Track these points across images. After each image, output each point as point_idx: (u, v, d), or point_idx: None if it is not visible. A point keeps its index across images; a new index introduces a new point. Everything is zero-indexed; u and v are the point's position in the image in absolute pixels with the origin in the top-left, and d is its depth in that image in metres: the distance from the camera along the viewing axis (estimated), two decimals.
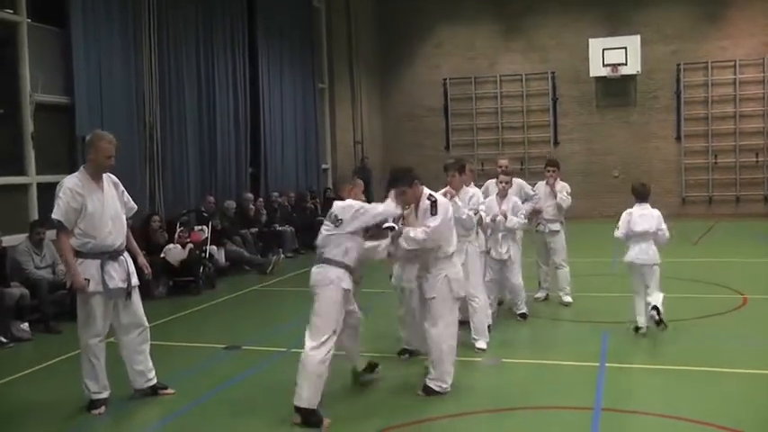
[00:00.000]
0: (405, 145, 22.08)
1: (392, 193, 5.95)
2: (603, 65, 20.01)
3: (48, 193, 8.72)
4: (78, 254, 5.74)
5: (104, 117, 11.03)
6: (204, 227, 12.20)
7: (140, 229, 10.77)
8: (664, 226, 7.79)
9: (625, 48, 19.82)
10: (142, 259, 6.29)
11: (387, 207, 5.85)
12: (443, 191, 7.02)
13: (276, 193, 15.76)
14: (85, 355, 5.82)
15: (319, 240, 5.78)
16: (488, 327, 7.70)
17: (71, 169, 7.43)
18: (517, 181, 9.22)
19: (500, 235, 8.21)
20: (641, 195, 7.85)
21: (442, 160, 7.77)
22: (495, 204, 8.18)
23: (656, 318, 7.49)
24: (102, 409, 5.83)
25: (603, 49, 19.95)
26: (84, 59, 10.79)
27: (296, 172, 17.40)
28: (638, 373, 6.57)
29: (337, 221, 5.67)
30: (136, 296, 6.02)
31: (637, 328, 7.74)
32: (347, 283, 5.63)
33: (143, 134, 12.10)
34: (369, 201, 6.22)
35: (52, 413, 5.93)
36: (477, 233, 7.65)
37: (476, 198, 7.51)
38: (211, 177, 14.04)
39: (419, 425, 5.39)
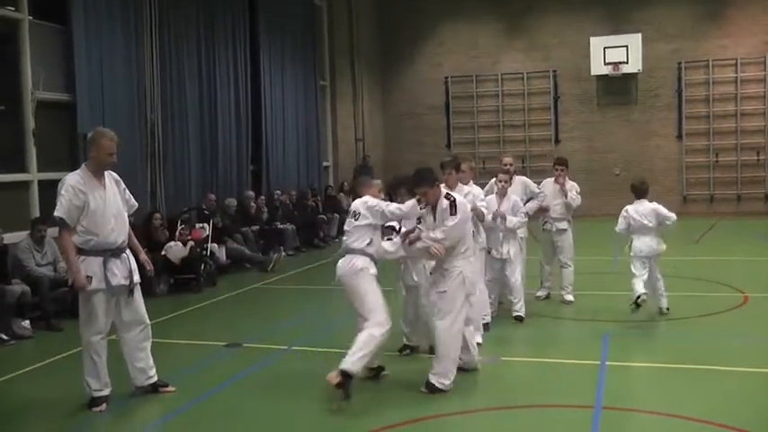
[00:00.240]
0: (406, 143, 22.07)
1: (401, 190, 6.48)
2: (605, 63, 19.98)
3: (49, 191, 8.72)
4: (81, 251, 5.74)
5: (106, 114, 11.03)
6: (205, 224, 12.21)
7: (142, 226, 10.78)
8: (664, 212, 8.27)
9: (626, 46, 19.80)
10: (144, 256, 6.29)
11: (402, 207, 6.13)
12: None
13: (278, 191, 15.77)
14: (87, 352, 5.83)
15: (345, 235, 6.27)
16: (487, 325, 7.71)
17: (72, 166, 7.44)
18: (522, 179, 9.19)
19: (500, 234, 8.19)
20: (640, 192, 8.37)
21: (442, 158, 7.76)
22: (494, 203, 8.17)
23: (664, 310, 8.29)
24: (104, 406, 5.83)
25: (605, 48, 19.93)
26: (86, 57, 10.79)
27: (297, 170, 17.40)
28: (638, 372, 6.57)
29: (356, 215, 6.15)
30: (138, 293, 6.02)
31: (637, 301, 8.01)
32: (374, 269, 6.05)
33: (144, 131, 12.09)
34: None
35: (53, 410, 5.93)
36: (478, 230, 7.64)
37: (471, 196, 7.49)
38: (212, 175, 14.04)
39: (419, 423, 5.39)
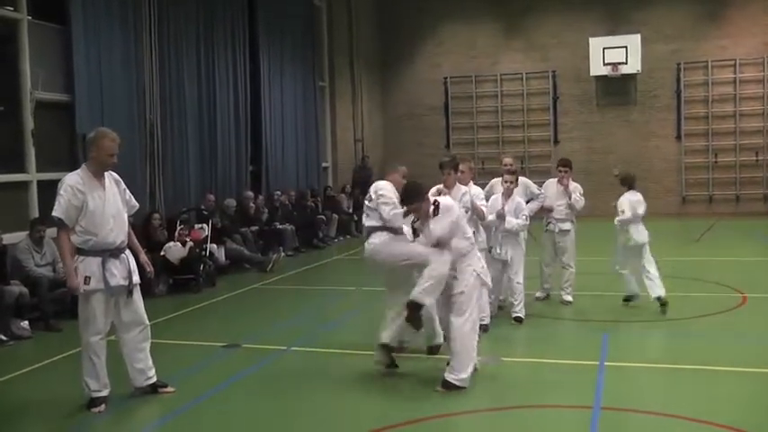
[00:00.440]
0: (405, 143, 22.07)
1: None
2: (604, 64, 19.99)
3: (48, 191, 8.73)
4: (80, 251, 5.74)
5: (105, 114, 11.02)
6: (204, 225, 12.20)
7: (140, 226, 10.77)
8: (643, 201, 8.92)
9: (625, 47, 19.81)
10: (144, 257, 6.29)
11: (392, 215, 6.25)
12: (435, 188, 7.15)
13: (278, 192, 15.77)
14: (86, 352, 5.82)
15: (364, 216, 6.52)
16: (486, 326, 7.71)
17: (71, 167, 7.44)
18: (522, 179, 9.19)
19: (500, 235, 8.19)
20: (633, 182, 8.93)
21: (441, 159, 7.78)
22: (498, 203, 8.17)
23: (662, 302, 8.59)
24: (102, 407, 5.83)
25: (604, 48, 19.93)
26: (85, 57, 10.79)
27: (296, 170, 17.39)
28: (637, 372, 6.58)
29: (370, 197, 6.42)
30: (137, 294, 6.02)
31: (629, 299, 8.89)
32: (401, 237, 6.26)
33: (143, 132, 12.09)
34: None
35: (52, 411, 5.93)
36: (478, 230, 7.65)
37: (467, 196, 7.51)
38: (212, 175, 14.04)
39: (419, 423, 5.39)
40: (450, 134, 22.22)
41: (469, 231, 6.45)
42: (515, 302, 8.37)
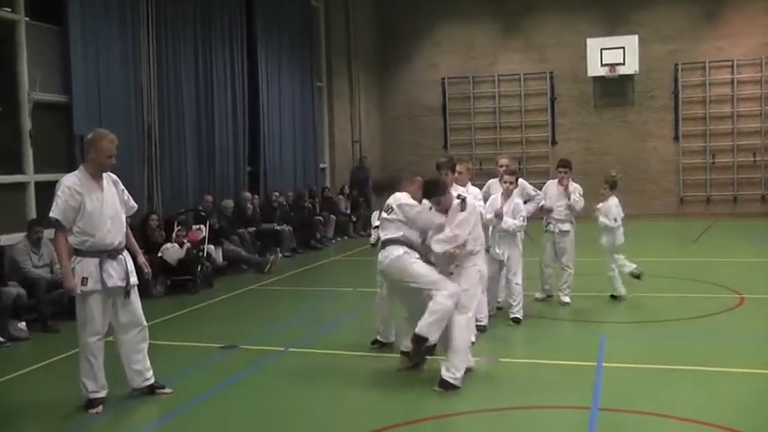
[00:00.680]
0: (403, 144, 22.08)
1: (384, 194, 6.75)
2: (601, 64, 20.03)
3: (46, 192, 8.73)
4: (77, 252, 5.74)
5: (102, 115, 11.02)
6: (202, 226, 12.19)
7: (138, 227, 10.75)
8: None
9: (623, 48, 19.84)
10: (142, 258, 6.29)
11: (430, 218, 6.32)
12: None
13: (276, 193, 15.77)
14: (84, 353, 5.81)
15: (380, 229, 6.49)
16: (484, 327, 7.72)
17: (69, 168, 7.44)
18: (519, 181, 9.19)
19: (498, 235, 8.19)
20: (616, 186, 9.42)
21: (438, 159, 7.77)
22: (497, 203, 8.16)
23: (636, 273, 9.27)
24: (100, 408, 5.81)
25: (601, 49, 19.97)
26: (83, 58, 10.79)
27: (294, 171, 17.40)
28: (635, 373, 6.58)
29: (389, 210, 6.38)
30: (134, 295, 6.01)
31: (617, 297, 9.31)
32: (414, 254, 6.20)
33: (141, 132, 12.09)
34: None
35: (49, 412, 5.92)
36: None
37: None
38: (209, 176, 14.04)
39: (418, 423, 5.39)
40: (447, 135, 22.22)
41: (481, 233, 6.56)
42: (514, 303, 8.36)
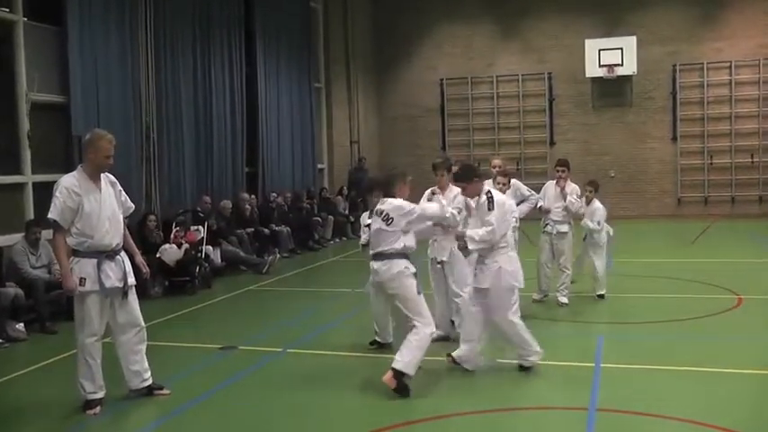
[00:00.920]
0: (401, 145, 22.08)
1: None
2: (600, 65, 20.04)
3: (43, 193, 8.72)
4: (75, 253, 5.74)
5: (100, 116, 11.01)
6: (200, 227, 12.20)
7: (136, 228, 10.76)
8: None
9: (621, 48, 19.85)
10: (140, 258, 6.29)
11: (435, 209, 6.40)
12: (430, 190, 7.15)
13: (275, 194, 15.76)
14: (82, 354, 5.81)
15: (372, 236, 6.28)
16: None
17: (67, 168, 7.43)
18: (512, 182, 9.18)
19: None
20: (599, 189, 9.72)
21: (434, 160, 7.77)
22: None
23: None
24: (98, 409, 5.81)
25: (600, 50, 19.98)
26: (81, 58, 10.78)
27: (292, 172, 17.40)
28: (632, 374, 6.58)
29: (388, 219, 6.11)
30: (132, 296, 6.01)
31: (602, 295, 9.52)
32: (413, 268, 6.15)
33: (139, 133, 12.08)
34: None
35: (47, 414, 5.92)
36: None
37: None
38: (208, 177, 14.03)
39: (417, 424, 5.40)
40: (446, 136, 22.23)
41: (510, 231, 6.64)
42: None
